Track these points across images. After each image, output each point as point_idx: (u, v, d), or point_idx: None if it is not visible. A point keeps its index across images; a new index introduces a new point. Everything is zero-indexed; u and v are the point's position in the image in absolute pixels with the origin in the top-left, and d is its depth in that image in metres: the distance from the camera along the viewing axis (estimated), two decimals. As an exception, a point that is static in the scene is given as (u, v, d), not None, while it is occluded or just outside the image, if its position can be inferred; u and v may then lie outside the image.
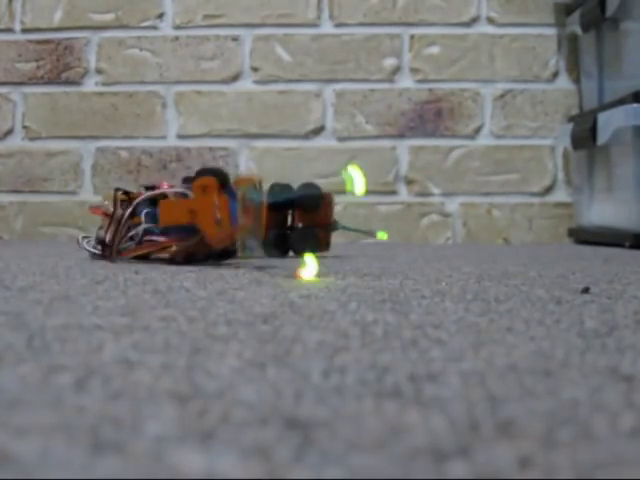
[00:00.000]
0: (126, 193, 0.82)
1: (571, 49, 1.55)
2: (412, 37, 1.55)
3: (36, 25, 1.57)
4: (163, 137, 1.53)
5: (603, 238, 1.33)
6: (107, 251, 0.80)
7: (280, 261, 0.85)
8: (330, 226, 0.97)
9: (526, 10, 1.55)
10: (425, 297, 0.47)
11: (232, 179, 0.78)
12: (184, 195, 0.78)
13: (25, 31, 1.57)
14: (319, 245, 0.95)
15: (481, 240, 1.54)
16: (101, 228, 0.83)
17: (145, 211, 0.79)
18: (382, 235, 1.12)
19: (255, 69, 1.56)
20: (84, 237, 0.87)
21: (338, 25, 1.56)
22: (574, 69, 1.54)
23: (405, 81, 1.55)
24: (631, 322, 0.37)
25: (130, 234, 0.80)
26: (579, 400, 0.22)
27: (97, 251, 0.82)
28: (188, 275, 0.62)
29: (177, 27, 1.56)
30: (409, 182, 1.54)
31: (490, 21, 1.55)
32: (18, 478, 0.15)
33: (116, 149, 1.54)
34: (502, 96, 1.54)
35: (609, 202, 1.33)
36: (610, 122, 1.25)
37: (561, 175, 1.54)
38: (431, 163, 1.54)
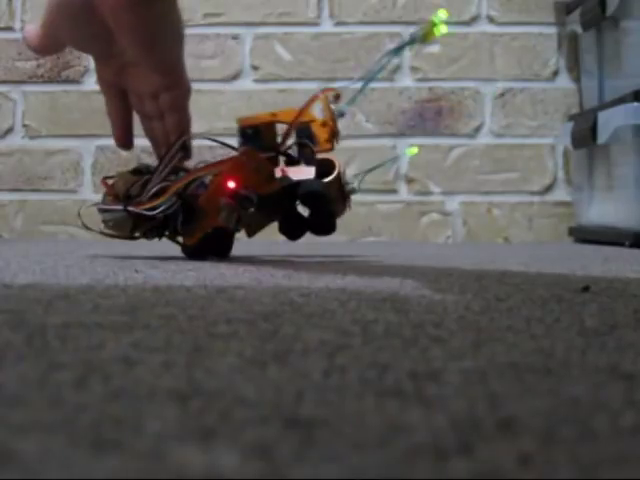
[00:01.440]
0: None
1: (571, 48, 1.54)
2: (412, 36, 1.55)
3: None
4: (163, 136, 1.53)
5: (603, 237, 1.33)
6: (132, 203, 0.77)
7: None
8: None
9: (526, 9, 1.55)
10: (425, 296, 0.47)
11: None
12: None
13: (25, 30, 1.57)
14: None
15: (481, 239, 1.54)
16: (108, 196, 0.79)
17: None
18: (412, 151, 1.04)
19: (255, 68, 1.55)
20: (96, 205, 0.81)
21: (338, 24, 1.55)
22: (574, 68, 1.54)
23: (405, 80, 1.55)
24: (631, 321, 0.37)
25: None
26: (579, 398, 0.22)
27: (116, 207, 0.78)
28: (188, 274, 0.62)
29: (177, 26, 1.56)
30: (409, 181, 1.54)
31: (490, 20, 1.55)
32: (18, 477, 0.15)
33: (116, 148, 1.54)
34: (502, 95, 1.54)
35: (609, 201, 1.33)
36: (610, 121, 1.25)
37: (561, 174, 1.54)
38: (431, 162, 1.54)
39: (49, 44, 0.71)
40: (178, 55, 0.73)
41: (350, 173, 0.93)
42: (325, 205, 0.84)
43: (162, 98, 0.75)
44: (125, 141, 0.80)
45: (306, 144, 0.86)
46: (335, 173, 0.84)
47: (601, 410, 0.21)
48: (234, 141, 0.81)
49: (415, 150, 1.05)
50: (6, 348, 0.29)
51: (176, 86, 0.74)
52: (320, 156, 0.88)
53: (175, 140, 0.78)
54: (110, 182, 0.82)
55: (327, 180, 0.83)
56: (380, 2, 1.55)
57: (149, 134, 0.80)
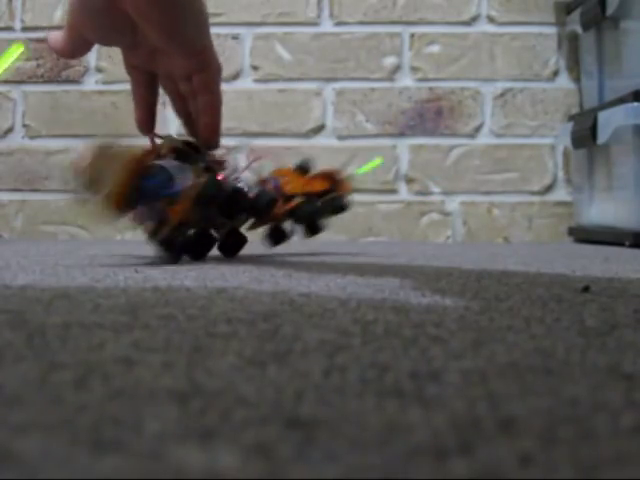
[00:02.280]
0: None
1: (571, 48, 1.54)
2: (412, 36, 1.55)
3: (36, 23, 1.57)
4: (163, 136, 1.53)
5: (603, 237, 1.33)
6: None
7: None
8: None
9: (526, 9, 1.55)
10: (425, 295, 0.47)
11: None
12: None
13: (25, 29, 1.57)
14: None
15: (481, 239, 1.54)
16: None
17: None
18: (374, 163, 1.06)
19: (255, 68, 1.55)
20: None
21: (338, 24, 1.55)
22: (574, 68, 1.54)
23: (405, 80, 1.55)
24: (631, 321, 0.37)
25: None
26: (580, 398, 0.22)
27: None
28: (188, 274, 0.62)
29: (177, 26, 1.56)
30: (409, 181, 1.54)
31: (490, 20, 1.55)
32: (18, 477, 0.15)
33: (116, 148, 1.54)
34: (502, 95, 1.54)
35: (609, 201, 1.33)
36: (610, 121, 1.25)
37: (561, 174, 1.54)
38: (431, 162, 1.54)
39: (75, 45, 0.72)
40: (204, 37, 0.73)
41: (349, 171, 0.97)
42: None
43: (194, 80, 0.76)
44: (147, 124, 0.81)
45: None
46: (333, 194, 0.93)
47: (601, 410, 0.21)
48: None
49: (378, 162, 1.08)
50: (6, 348, 0.29)
51: (207, 67, 0.75)
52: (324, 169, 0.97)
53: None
54: (159, 141, 0.80)
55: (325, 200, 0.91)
56: (380, 2, 1.55)
57: (181, 115, 0.82)
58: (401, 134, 1.54)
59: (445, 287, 0.53)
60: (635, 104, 1.17)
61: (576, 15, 1.48)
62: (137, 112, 0.81)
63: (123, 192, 0.71)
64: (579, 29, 1.49)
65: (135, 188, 0.71)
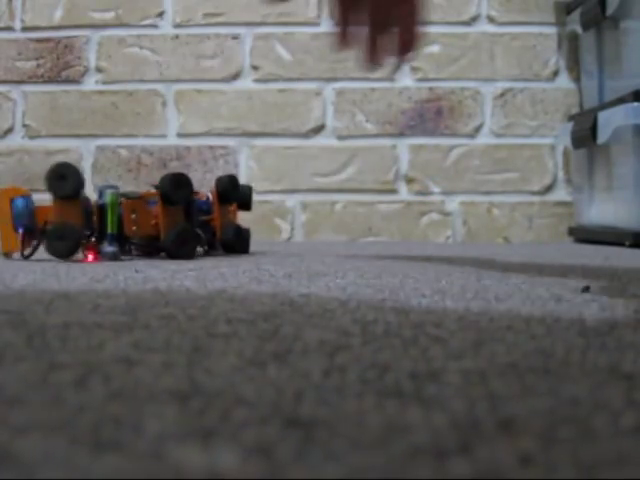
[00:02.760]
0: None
1: (571, 48, 1.54)
2: (412, 36, 1.55)
3: (36, 23, 1.57)
4: (163, 136, 1.53)
5: (603, 237, 1.33)
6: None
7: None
8: None
9: (526, 9, 1.55)
10: (425, 296, 0.47)
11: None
12: None
13: (25, 29, 1.57)
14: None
15: (481, 239, 1.54)
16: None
17: None
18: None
19: (255, 68, 1.55)
20: None
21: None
22: (574, 68, 1.54)
23: (405, 80, 1.55)
24: (631, 321, 0.37)
25: None
26: (579, 398, 0.22)
27: None
28: (188, 274, 0.62)
29: (177, 25, 1.56)
30: (409, 181, 1.54)
31: (490, 20, 1.55)
32: (18, 477, 0.15)
33: (116, 148, 1.54)
34: (502, 95, 1.54)
35: (609, 201, 1.33)
36: (610, 121, 1.25)
37: (561, 174, 1.54)
38: (431, 162, 1.54)
39: None
40: None
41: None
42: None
43: None
44: (346, 38, 0.85)
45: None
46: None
47: (601, 410, 0.21)
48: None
49: None
50: (6, 348, 0.29)
51: None
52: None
53: None
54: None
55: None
56: (380, 2, 1.55)
57: (372, 29, 0.87)
58: (401, 134, 1.54)
59: (445, 287, 0.53)
60: (635, 104, 1.17)
61: (576, 15, 1.48)
62: (340, 31, 0.85)
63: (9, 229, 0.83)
64: (579, 29, 1.49)
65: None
